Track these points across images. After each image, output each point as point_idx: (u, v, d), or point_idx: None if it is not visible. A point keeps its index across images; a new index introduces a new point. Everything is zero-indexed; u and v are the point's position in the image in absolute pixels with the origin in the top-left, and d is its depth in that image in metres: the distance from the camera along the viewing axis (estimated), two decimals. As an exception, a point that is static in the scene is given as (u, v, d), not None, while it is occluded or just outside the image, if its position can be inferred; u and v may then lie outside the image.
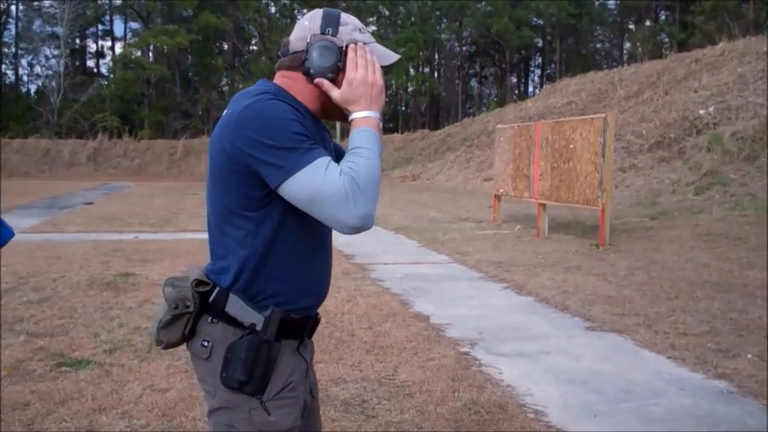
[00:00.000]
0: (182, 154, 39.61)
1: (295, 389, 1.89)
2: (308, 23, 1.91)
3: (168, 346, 1.92)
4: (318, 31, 1.88)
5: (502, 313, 6.75)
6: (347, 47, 1.88)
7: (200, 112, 55.13)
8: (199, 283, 1.86)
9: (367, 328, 6.06)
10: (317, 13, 1.93)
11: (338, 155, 1.96)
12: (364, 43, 1.91)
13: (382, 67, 1.93)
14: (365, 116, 1.86)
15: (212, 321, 1.86)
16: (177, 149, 40.23)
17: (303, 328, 1.94)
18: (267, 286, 1.84)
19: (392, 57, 1.97)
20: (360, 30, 1.93)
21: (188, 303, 1.84)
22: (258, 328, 1.81)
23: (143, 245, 11.09)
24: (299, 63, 1.89)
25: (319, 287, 1.98)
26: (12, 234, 1.42)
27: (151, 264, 9.22)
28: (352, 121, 1.86)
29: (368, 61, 1.88)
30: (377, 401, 4.36)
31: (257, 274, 1.83)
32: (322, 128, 1.97)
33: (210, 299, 1.85)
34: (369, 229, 1.75)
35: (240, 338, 1.81)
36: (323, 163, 1.71)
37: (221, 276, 1.87)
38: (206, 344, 1.85)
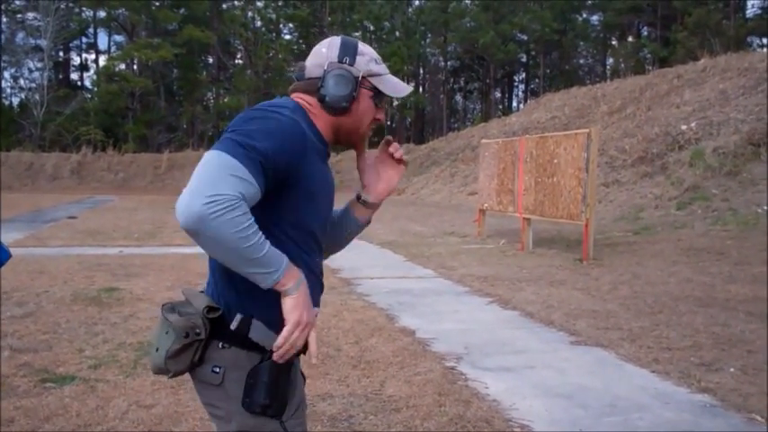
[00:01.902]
0: (166, 167, 39.49)
1: (304, 402, 1.95)
2: (325, 51, 1.93)
3: (176, 374, 1.87)
4: (336, 59, 1.91)
5: (487, 328, 6.77)
6: (363, 77, 1.91)
7: (185, 126, 55.02)
8: (210, 309, 1.83)
9: (353, 342, 6.06)
10: (336, 41, 1.95)
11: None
12: (380, 74, 1.95)
13: (395, 98, 1.99)
14: (287, 290, 1.75)
15: (223, 347, 1.84)
16: (162, 163, 40.11)
17: (304, 348, 1.94)
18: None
19: (404, 90, 2.00)
20: (375, 60, 1.95)
21: (198, 331, 1.80)
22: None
23: (127, 259, 11.03)
24: (315, 89, 1.91)
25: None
26: (9, 256, 1.43)
27: (136, 278, 9.17)
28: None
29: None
30: (363, 416, 4.36)
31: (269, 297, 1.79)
32: (324, 159, 1.97)
33: (233, 326, 1.82)
34: (181, 222, 1.62)
35: (261, 363, 1.81)
36: (242, 173, 1.63)
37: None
38: (217, 370, 1.83)
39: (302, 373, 2.02)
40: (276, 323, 1.79)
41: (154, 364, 1.87)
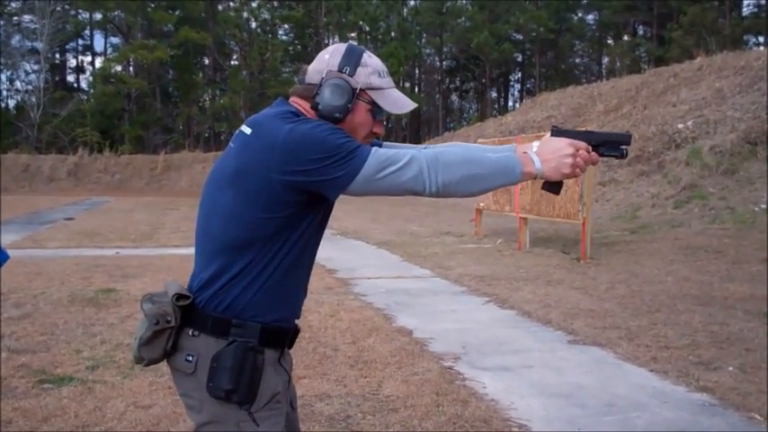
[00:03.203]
0: (162, 169, 39.41)
1: (280, 400, 1.91)
2: (327, 57, 1.92)
3: (150, 362, 1.91)
4: (336, 68, 1.88)
5: (485, 327, 6.77)
6: (361, 89, 1.88)
7: (181, 127, 54.94)
8: (179, 297, 1.86)
9: (350, 342, 6.06)
10: (340, 48, 1.93)
11: None
12: (381, 88, 1.92)
13: (397, 115, 1.97)
14: (531, 158, 1.86)
15: (194, 334, 1.86)
16: (158, 164, 40.04)
17: (284, 338, 1.96)
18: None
19: (406, 106, 1.96)
20: (379, 73, 1.92)
21: (169, 318, 1.84)
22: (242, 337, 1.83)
23: (124, 260, 11.02)
24: (311, 95, 1.89)
25: (295, 300, 1.99)
26: (6, 257, 1.43)
27: (133, 279, 9.16)
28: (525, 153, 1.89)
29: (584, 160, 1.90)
30: (361, 416, 4.36)
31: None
32: None
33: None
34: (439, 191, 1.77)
35: (226, 347, 1.82)
36: (383, 151, 1.78)
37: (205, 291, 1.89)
38: (191, 358, 1.85)
39: (285, 370, 2.00)
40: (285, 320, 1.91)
41: (132, 353, 1.94)
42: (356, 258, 11.03)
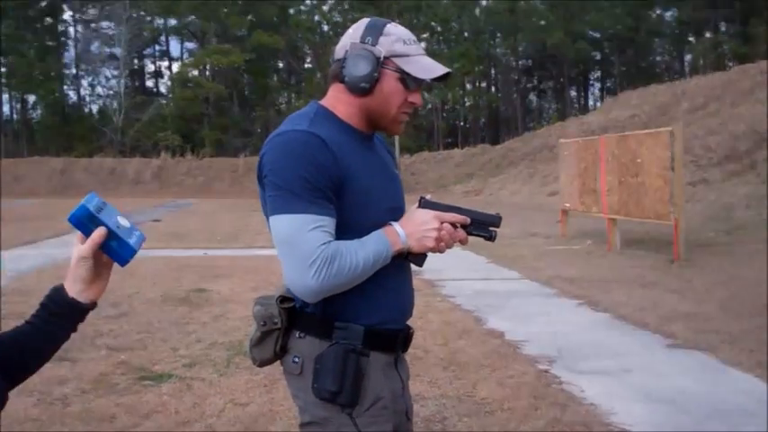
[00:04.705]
0: (243, 171, 40.10)
1: (386, 406, 1.86)
2: (351, 32, 1.91)
3: (263, 363, 1.94)
4: (358, 40, 1.87)
5: (579, 330, 6.63)
6: (386, 57, 1.85)
7: (259, 130, 55.69)
8: (283, 299, 1.87)
9: (441, 344, 6.02)
10: (363, 22, 1.93)
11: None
12: (407, 55, 1.87)
13: (432, 80, 1.89)
14: (397, 232, 1.85)
15: (300, 336, 1.86)
16: (239, 166, 40.78)
17: (393, 341, 1.93)
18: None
19: (435, 71, 1.88)
20: (404, 41, 1.88)
21: (275, 320, 1.86)
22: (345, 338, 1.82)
23: (212, 261, 11.24)
24: (339, 71, 1.88)
25: (400, 301, 1.96)
26: (134, 251, 1.43)
27: (222, 279, 9.33)
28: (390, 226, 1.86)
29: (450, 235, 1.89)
30: (458, 419, 4.32)
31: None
32: (369, 147, 1.95)
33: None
34: (309, 301, 1.78)
35: (327, 348, 1.81)
36: (311, 221, 1.72)
37: None
38: (297, 360, 1.85)
39: (400, 376, 1.97)
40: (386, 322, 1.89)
41: (246, 352, 2.00)
42: (441, 259, 10.90)
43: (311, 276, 1.70)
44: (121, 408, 4.46)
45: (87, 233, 1.36)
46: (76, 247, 1.37)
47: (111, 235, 1.37)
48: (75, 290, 1.38)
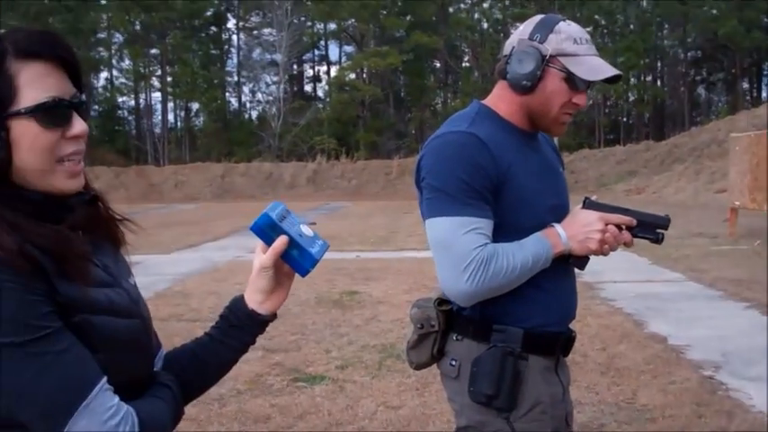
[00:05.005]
0: (397, 173, 40.55)
1: (545, 411, 1.83)
2: (522, 28, 1.87)
3: (419, 366, 1.97)
4: (527, 37, 1.81)
5: (747, 335, 6.23)
6: (551, 56, 1.78)
7: (413, 132, 56.21)
8: (441, 301, 1.87)
9: (600, 349, 5.83)
10: (535, 18, 1.87)
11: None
12: (576, 55, 1.79)
13: (602, 81, 1.82)
14: (558, 233, 1.81)
15: (457, 339, 1.86)
16: (392, 169, 41.26)
17: (553, 344, 1.89)
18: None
19: (603, 72, 1.81)
20: (575, 40, 1.79)
21: (432, 323, 1.87)
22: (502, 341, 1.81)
23: (365, 263, 11.38)
24: (504, 68, 1.85)
25: (561, 304, 1.92)
26: (315, 260, 1.37)
27: (374, 282, 9.42)
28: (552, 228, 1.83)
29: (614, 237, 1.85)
30: (616, 425, 4.19)
31: None
32: (532, 146, 1.90)
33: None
34: (465, 305, 1.80)
35: (485, 351, 1.80)
36: (467, 223, 1.71)
37: None
38: (454, 363, 1.85)
39: (561, 381, 1.93)
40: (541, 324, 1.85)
41: (402, 354, 2.08)
42: (601, 261, 10.46)
43: (465, 280, 1.70)
44: (276, 409, 4.56)
45: (269, 242, 1.32)
46: (257, 257, 1.34)
47: (293, 244, 1.32)
48: (254, 301, 1.34)
